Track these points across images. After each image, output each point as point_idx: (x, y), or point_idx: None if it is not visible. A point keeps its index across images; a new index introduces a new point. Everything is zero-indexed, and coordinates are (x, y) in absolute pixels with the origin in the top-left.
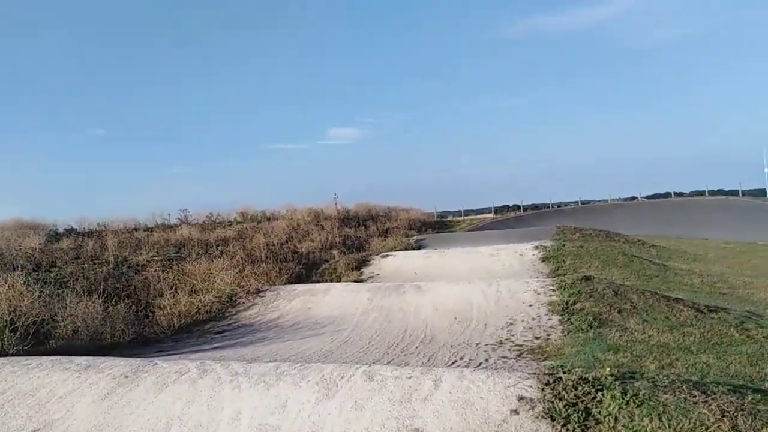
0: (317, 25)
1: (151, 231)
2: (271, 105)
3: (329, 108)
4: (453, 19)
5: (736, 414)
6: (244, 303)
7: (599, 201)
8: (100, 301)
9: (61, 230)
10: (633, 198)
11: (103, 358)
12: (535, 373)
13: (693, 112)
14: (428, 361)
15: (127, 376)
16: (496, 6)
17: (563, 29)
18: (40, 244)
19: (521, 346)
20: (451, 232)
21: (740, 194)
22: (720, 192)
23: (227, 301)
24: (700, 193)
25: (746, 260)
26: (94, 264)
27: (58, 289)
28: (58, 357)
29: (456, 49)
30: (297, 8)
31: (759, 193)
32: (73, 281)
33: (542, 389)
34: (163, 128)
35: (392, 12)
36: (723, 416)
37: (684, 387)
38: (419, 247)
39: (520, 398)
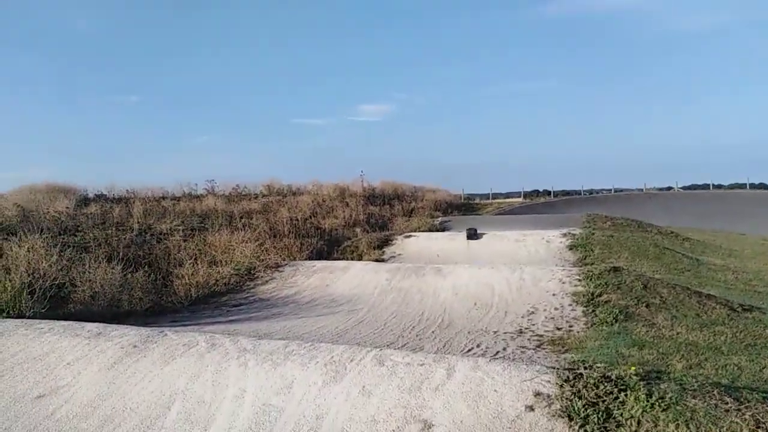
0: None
1: (178, 200)
2: (303, 79)
3: (360, 84)
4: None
5: None
6: (262, 277)
7: (633, 190)
8: (119, 268)
9: (91, 195)
10: (669, 188)
11: (114, 326)
12: (554, 368)
13: (737, 102)
14: (444, 346)
15: (135, 346)
16: None
17: (602, 11)
18: (67, 207)
19: (542, 336)
20: (478, 215)
21: None
22: (762, 186)
23: (246, 274)
24: (741, 186)
25: None
26: (118, 230)
27: (79, 253)
28: (70, 323)
29: (493, 30)
30: None
31: None
32: (95, 246)
33: (561, 386)
34: (195, 98)
35: None
36: (758, 427)
37: (715, 392)
38: (444, 229)
39: (537, 394)
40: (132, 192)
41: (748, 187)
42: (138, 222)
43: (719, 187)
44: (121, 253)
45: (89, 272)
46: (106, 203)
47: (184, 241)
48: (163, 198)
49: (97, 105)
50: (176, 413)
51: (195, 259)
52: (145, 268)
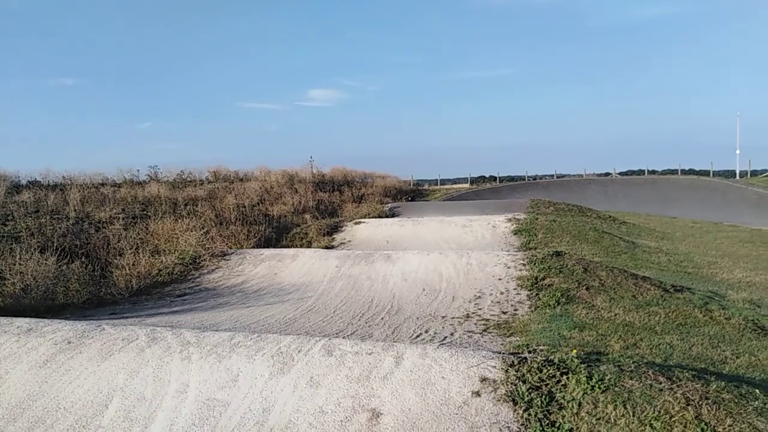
0: None
1: (119, 187)
2: (249, 62)
3: (310, 69)
4: None
5: (700, 402)
6: (208, 266)
7: (574, 176)
8: (53, 259)
9: (24, 182)
10: (607, 174)
11: (46, 321)
12: (499, 353)
13: (670, 91)
14: (393, 333)
15: (70, 342)
16: None
17: (543, 2)
18: None
19: (488, 320)
20: (426, 200)
21: (711, 174)
22: (692, 171)
23: (190, 263)
24: (673, 172)
25: (712, 240)
26: (53, 219)
27: (9, 244)
28: None
29: (439, 18)
30: None
31: (729, 174)
32: (27, 236)
33: (506, 370)
34: (137, 82)
35: None
36: (688, 405)
37: (650, 372)
38: (393, 215)
39: (483, 379)
40: (69, 179)
41: (680, 173)
42: (75, 210)
43: (653, 172)
44: (56, 243)
45: (20, 264)
46: (40, 190)
47: (125, 229)
48: (103, 185)
49: (29, 88)
50: (114, 411)
51: (136, 248)
52: (82, 258)
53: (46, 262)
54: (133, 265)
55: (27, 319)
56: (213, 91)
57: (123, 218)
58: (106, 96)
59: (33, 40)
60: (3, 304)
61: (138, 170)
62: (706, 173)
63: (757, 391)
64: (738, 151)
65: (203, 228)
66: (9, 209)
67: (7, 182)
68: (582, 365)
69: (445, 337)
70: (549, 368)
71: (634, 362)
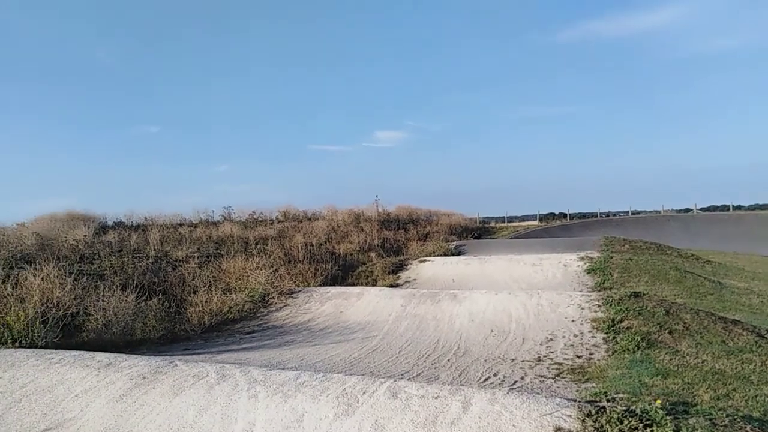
0: (371, 30)
1: (195, 227)
2: (319, 106)
3: (376, 110)
4: (500, 26)
5: None
6: (276, 303)
7: (651, 212)
8: (133, 296)
9: (110, 223)
10: (687, 210)
11: (124, 356)
12: (575, 400)
13: (752, 122)
14: (459, 375)
15: (144, 377)
16: (544, 13)
17: (612, 36)
18: (85, 236)
19: (561, 364)
20: (493, 238)
21: None
22: None
23: (260, 301)
24: (762, 207)
25: None
26: (134, 258)
27: (94, 281)
28: (81, 353)
29: (505, 57)
30: (355, 13)
31: None
32: (111, 274)
33: (583, 420)
34: (215, 127)
35: (442, 20)
36: None
37: (747, 428)
38: (459, 253)
39: (558, 429)
40: (150, 219)
41: None
42: (154, 249)
43: (739, 208)
44: (136, 281)
45: (103, 300)
46: (124, 231)
47: (200, 267)
48: (180, 225)
49: (118, 135)
50: None
51: (209, 286)
52: (159, 295)
53: (126, 299)
54: (205, 302)
55: (106, 354)
56: (285, 134)
57: (198, 257)
58: (187, 142)
59: (121, 90)
60: (86, 339)
61: (213, 211)
62: None
63: None
64: None
65: (272, 266)
66: (96, 248)
67: (95, 223)
68: (668, 417)
69: (515, 382)
70: (630, 419)
71: (728, 416)
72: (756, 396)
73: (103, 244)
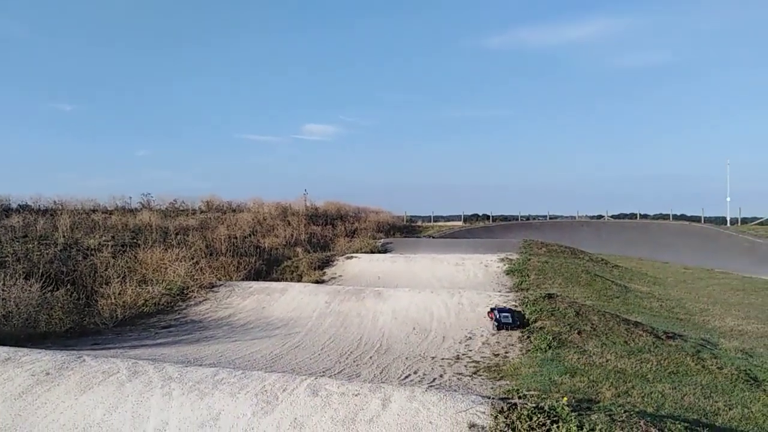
0: (304, 20)
1: (110, 214)
2: (247, 94)
3: (307, 103)
4: (434, 27)
5: None
6: (195, 297)
7: (567, 217)
8: (38, 285)
9: (14, 206)
10: (599, 216)
11: (25, 350)
12: (489, 398)
13: (663, 137)
14: (381, 373)
15: (48, 373)
16: (477, 16)
17: (543, 44)
18: None
19: (478, 362)
20: (419, 237)
21: (702, 220)
22: (683, 217)
23: (178, 294)
24: (664, 217)
25: (703, 286)
26: (41, 244)
27: None
28: None
29: (434, 58)
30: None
31: (720, 220)
32: (13, 261)
33: (495, 417)
34: (132, 109)
35: (376, 16)
36: None
37: (641, 423)
38: (385, 251)
39: (472, 425)
40: (60, 203)
41: (671, 218)
42: (64, 236)
43: (645, 216)
44: (41, 269)
45: (3, 290)
46: (30, 215)
47: (113, 257)
48: (94, 211)
49: (27, 111)
50: None
51: (123, 277)
52: (67, 285)
53: (30, 289)
54: (119, 294)
55: (5, 348)
56: (210, 121)
57: (112, 246)
58: (103, 122)
59: (31, 65)
60: None
61: (131, 197)
62: (697, 219)
63: None
64: (728, 199)
65: (193, 258)
66: None
67: None
68: (573, 414)
69: (434, 379)
70: (539, 416)
71: (625, 412)
72: (651, 393)
73: (5, 229)
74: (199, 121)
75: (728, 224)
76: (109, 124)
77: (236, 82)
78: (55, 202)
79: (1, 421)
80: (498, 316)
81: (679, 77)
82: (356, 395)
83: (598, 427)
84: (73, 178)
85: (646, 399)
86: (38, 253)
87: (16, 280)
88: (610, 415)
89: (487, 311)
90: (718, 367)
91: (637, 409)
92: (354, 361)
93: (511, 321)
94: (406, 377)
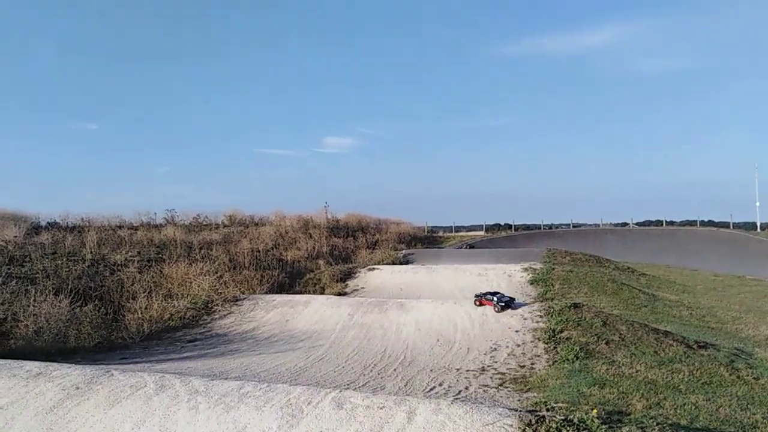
0: (323, 33)
1: (136, 229)
2: (268, 109)
3: (326, 116)
4: (452, 37)
5: None
6: (220, 311)
7: (590, 225)
8: (67, 301)
9: (43, 223)
10: (624, 224)
11: (56, 365)
12: (516, 410)
13: (689, 143)
14: (405, 386)
15: (78, 387)
16: (494, 25)
17: (562, 52)
18: (15, 236)
19: (504, 374)
20: (441, 248)
21: (731, 226)
22: (711, 223)
23: (203, 308)
24: (692, 223)
25: (735, 294)
26: (69, 261)
27: (25, 285)
28: (7, 361)
29: (453, 67)
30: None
31: (749, 226)
32: (43, 278)
33: (523, 430)
34: (157, 127)
35: (393, 27)
36: None
37: None
38: (407, 262)
39: None
40: (87, 221)
41: (698, 224)
42: (91, 252)
43: (671, 223)
44: (70, 285)
45: (34, 306)
46: (59, 232)
47: (140, 272)
48: (120, 227)
49: (54, 131)
50: None
51: (149, 292)
52: (95, 301)
53: (59, 305)
54: (145, 308)
55: (37, 363)
56: (230, 135)
57: (138, 261)
58: (127, 141)
59: (57, 84)
60: (15, 347)
61: (155, 213)
62: (725, 225)
63: None
64: (758, 203)
65: (216, 272)
66: (27, 250)
67: (27, 224)
68: (603, 426)
69: (460, 392)
70: (568, 429)
71: (658, 424)
72: (684, 404)
73: (35, 246)
74: (219, 136)
75: (758, 229)
76: (131, 141)
77: (255, 96)
78: (82, 219)
79: None
80: (497, 299)
81: (706, 82)
82: (381, 408)
83: None
84: (98, 195)
85: (679, 411)
86: (67, 270)
87: (46, 296)
88: (642, 428)
89: (473, 301)
90: (754, 378)
91: (670, 422)
92: (378, 374)
93: (508, 299)
94: (431, 389)
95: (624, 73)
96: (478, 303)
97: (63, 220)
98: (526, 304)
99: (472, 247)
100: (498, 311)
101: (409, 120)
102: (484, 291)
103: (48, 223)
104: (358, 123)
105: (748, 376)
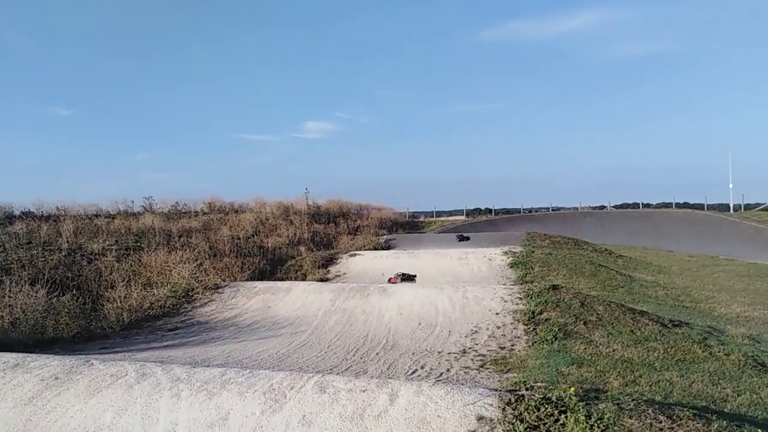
0: (298, 17)
1: (113, 218)
2: (244, 94)
3: (304, 101)
4: (429, 22)
5: None
6: (200, 299)
7: (569, 208)
8: (44, 291)
9: (16, 213)
10: (602, 207)
11: (34, 356)
12: (496, 390)
13: (665, 126)
14: (388, 369)
15: (57, 378)
16: (473, 11)
17: (539, 37)
18: None
19: (484, 356)
20: (422, 233)
21: (705, 208)
22: (686, 205)
23: (183, 297)
24: (667, 205)
25: (708, 274)
26: (45, 250)
27: (0, 276)
28: None
29: (431, 52)
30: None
31: (723, 207)
32: (18, 268)
33: (503, 409)
34: (129, 113)
35: (370, 11)
36: None
37: (649, 410)
38: (389, 247)
39: (480, 418)
40: (62, 209)
41: (674, 206)
42: (67, 241)
43: (648, 206)
44: (46, 275)
45: (9, 296)
46: (33, 221)
47: (118, 261)
48: (97, 216)
49: (24, 117)
50: None
51: (128, 281)
52: (73, 291)
53: (36, 295)
54: (124, 298)
55: (14, 354)
56: (208, 122)
57: (116, 250)
58: (101, 127)
59: (26, 70)
60: None
61: (132, 201)
62: (700, 207)
63: (759, 431)
64: (731, 185)
65: (197, 260)
66: (1, 240)
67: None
68: (580, 403)
69: (441, 374)
70: (547, 407)
71: (633, 400)
72: (659, 381)
73: (8, 236)
74: (198, 123)
75: (731, 211)
76: (107, 128)
77: (231, 81)
78: (57, 208)
79: (13, 426)
80: (400, 277)
81: (680, 66)
82: (363, 391)
83: (606, 416)
84: (73, 183)
85: (654, 387)
86: (43, 259)
87: (22, 286)
88: (618, 404)
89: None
90: (725, 354)
91: (645, 398)
92: (361, 358)
93: (409, 276)
94: (413, 372)
95: (600, 58)
96: (390, 281)
97: (37, 209)
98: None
99: (465, 239)
100: (397, 282)
101: (387, 105)
102: (400, 273)
103: (22, 212)
104: (336, 108)
105: (719, 352)
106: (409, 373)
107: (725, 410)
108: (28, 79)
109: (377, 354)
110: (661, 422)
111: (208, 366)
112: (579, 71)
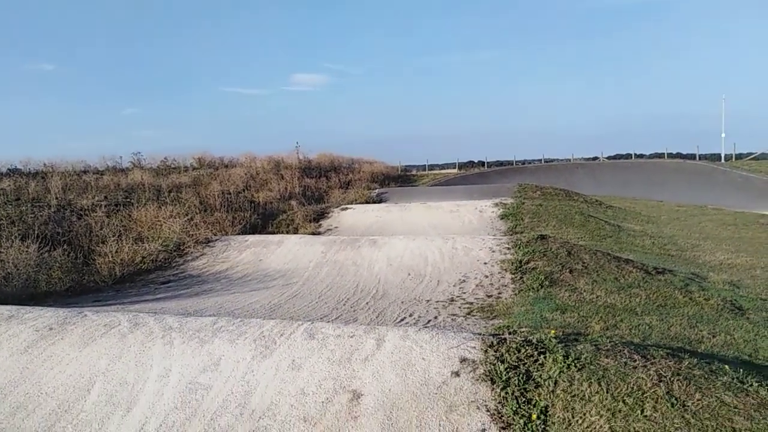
0: None
1: (101, 174)
2: (233, 45)
3: (292, 52)
4: None
5: (672, 379)
6: (192, 253)
7: (562, 160)
8: (35, 246)
9: (3, 170)
10: (595, 158)
11: (28, 308)
12: (480, 334)
13: (657, 76)
14: (377, 317)
15: (51, 328)
16: None
17: None
18: None
19: (471, 304)
20: (414, 186)
21: (697, 158)
22: (678, 155)
23: (174, 250)
24: (660, 156)
25: (696, 223)
26: (34, 207)
27: None
28: None
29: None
30: None
31: (715, 157)
32: (8, 224)
33: (485, 351)
34: (119, 68)
35: None
36: (660, 381)
37: (625, 350)
38: (380, 201)
39: (463, 360)
40: (50, 166)
41: (666, 156)
42: (56, 198)
43: (641, 156)
44: (37, 231)
45: (0, 252)
46: (21, 178)
47: (108, 217)
48: (85, 172)
49: (7, 72)
50: (97, 395)
51: (119, 235)
52: (64, 246)
53: (27, 250)
54: (116, 252)
55: (8, 307)
56: (196, 75)
57: (105, 206)
58: (87, 82)
59: (10, 23)
60: None
61: (121, 157)
62: (692, 157)
63: (726, 367)
64: (723, 135)
65: (187, 215)
66: None
67: None
68: (559, 345)
69: (429, 321)
70: (527, 348)
71: (610, 341)
72: (639, 325)
73: None
74: (187, 77)
75: (723, 160)
76: (92, 83)
77: (219, 33)
78: (45, 164)
79: (10, 374)
80: None
81: (673, 15)
82: (351, 337)
83: (583, 356)
84: (60, 139)
85: (633, 331)
86: (32, 216)
87: (13, 242)
88: (596, 345)
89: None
90: (705, 299)
91: (623, 340)
92: (351, 307)
93: None
94: (402, 320)
95: (593, 4)
96: None
97: (25, 166)
98: None
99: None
100: None
101: (377, 55)
102: None
103: (8, 169)
104: (325, 59)
105: (699, 297)
106: (397, 320)
107: (699, 350)
108: (4, 32)
109: (367, 303)
110: (635, 361)
111: (200, 316)
112: (574, 17)
